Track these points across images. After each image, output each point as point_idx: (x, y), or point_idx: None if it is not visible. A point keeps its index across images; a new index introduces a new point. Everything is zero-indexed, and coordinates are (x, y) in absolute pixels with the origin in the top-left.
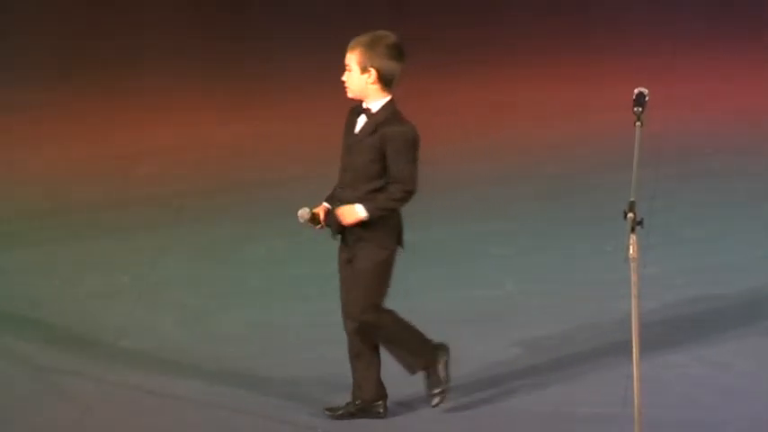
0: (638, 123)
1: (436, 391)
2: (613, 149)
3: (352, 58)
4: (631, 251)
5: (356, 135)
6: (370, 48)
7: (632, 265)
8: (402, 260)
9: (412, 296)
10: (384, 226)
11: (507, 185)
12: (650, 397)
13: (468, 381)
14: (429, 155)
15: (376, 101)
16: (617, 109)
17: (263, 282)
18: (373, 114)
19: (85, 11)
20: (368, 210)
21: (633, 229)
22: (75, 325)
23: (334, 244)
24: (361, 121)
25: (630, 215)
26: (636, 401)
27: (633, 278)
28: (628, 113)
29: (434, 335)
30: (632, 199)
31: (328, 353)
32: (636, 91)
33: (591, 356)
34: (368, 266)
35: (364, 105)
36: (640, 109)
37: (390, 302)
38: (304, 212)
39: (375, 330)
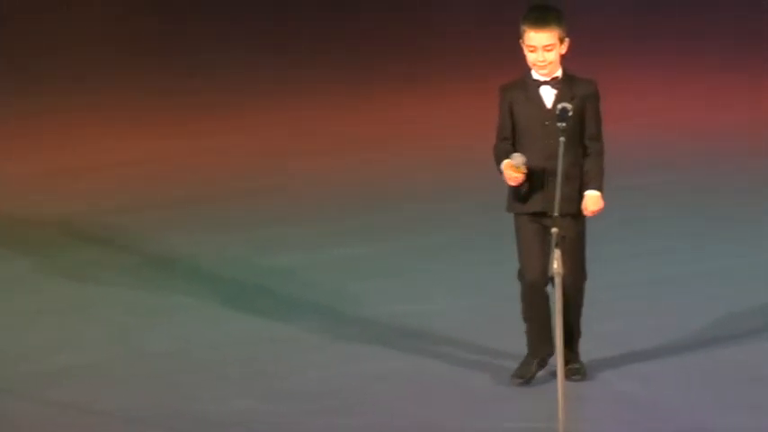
0: (561, 139)
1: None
2: None
3: (552, 36)
4: (555, 266)
5: (551, 107)
6: (562, 20)
7: (556, 279)
8: (337, 274)
9: (346, 310)
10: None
11: (445, 199)
12: (575, 411)
13: (397, 395)
14: (368, 168)
15: (559, 70)
16: None
17: (192, 298)
18: (564, 81)
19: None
20: (601, 191)
21: (557, 245)
22: (3, 342)
23: (272, 258)
24: (549, 92)
25: (555, 230)
26: (561, 416)
27: (557, 293)
28: None
29: (366, 349)
30: (556, 214)
31: (262, 367)
32: (559, 106)
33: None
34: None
35: (547, 78)
36: (564, 124)
37: (322, 316)
38: (521, 161)
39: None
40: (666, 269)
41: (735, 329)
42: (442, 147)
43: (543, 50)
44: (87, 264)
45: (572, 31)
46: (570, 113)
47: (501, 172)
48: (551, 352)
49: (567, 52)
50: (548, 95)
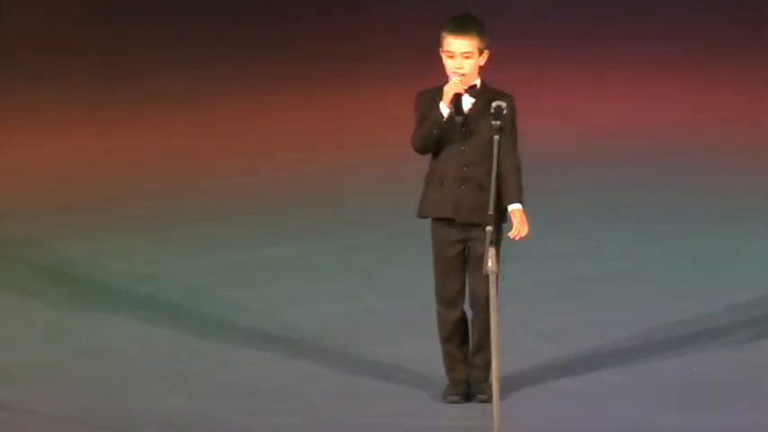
0: (496, 137)
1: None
2: None
3: (471, 44)
4: (490, 264)
5: (468, 115)
6: (484, 32)
7: (491, 278)
8: (271, 273)
9: (276, 310)
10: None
11: (374, 199)
12: (512, 409)
13: (331, 395)
14: (305, 167)
15: (477, 79)
16: None
17: (123, 299)
18: (483, 91)
19: None
20: (523, 204)
21: (492, 243)
22: None
23: (200, 259)
24: (466, 101)
25: (489, 228)
26: (495, 414)
27: (492, 291)
28: None
29: (297, 349)
30: (490, 212)
31: (194, 366)
32: (494, 105)
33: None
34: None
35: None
36: (499, 122)
37: (252, 317)
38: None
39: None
40: (596, 267)
41: (669, 328)
42: (371, 146)
43: (461, 57)
44: (21, 264)
45: (500, 33)
46: (505, 112)
47: (433, 130)
48: (466, 374)
49: (485, 65)
50: (465, 104)
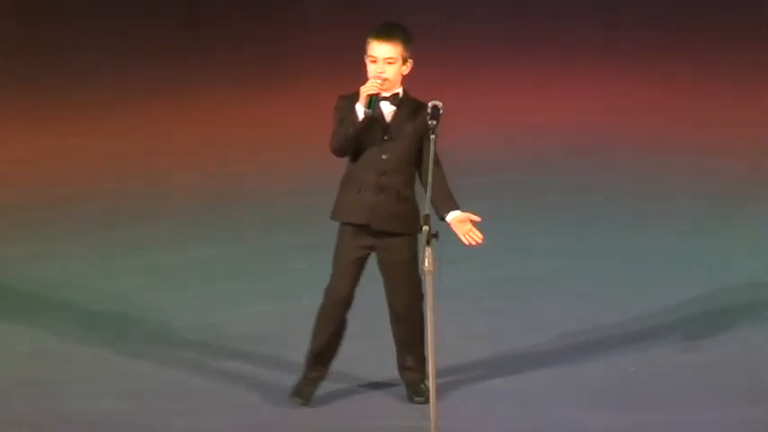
0: (432, 136)
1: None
2: None
3: (395, 51)
4: (427, 264)
5: (390, 123)
6: (409, 41)
7: (428, 277)
8: (202, 275)
9: (208, 311)
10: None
11: (307, 199)
12: (447, 408)
13: (265, 393)
14: (235, 167)
15: (399, 88)
16: None
17: (58, 298)
18: (405, 100)
19: None
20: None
21: (429, 242)
22: None
23: (131, 260)
24: (388, 108)
25: (425, 228)
26: (432, 413)
27: (428, 291)
28: None
29: (233, 350)
30: (426, 212)
31: (130, 366)
32: (430, 104)
33: (390, 368)
34: (413, 256)
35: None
36: (435, 122)
37: (185, 318)
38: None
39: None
40: (525, 268)
41: (602, 328)
42: (300, 147)
43: (384, 62)
44: None
45: (426, 34)
46: (441, 112)
47: (349, 131)
48: (326, 375)
49: (409, 74)
50: (386, 111)
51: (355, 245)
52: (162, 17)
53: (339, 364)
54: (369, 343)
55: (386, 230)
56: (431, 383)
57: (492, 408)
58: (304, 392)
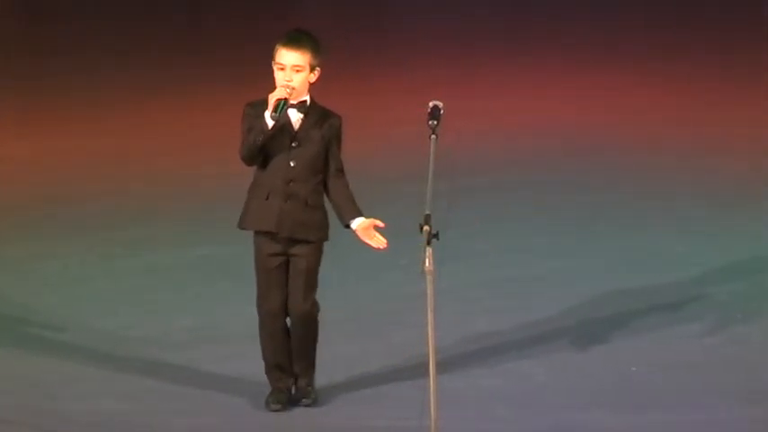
0: (433, 136)
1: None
2: (409, 162)
3: (303, 59)
4: (427, 264)
5: (297, 130)
6: (318, 49)
7: (428, 278)
8: (202, 275)
9: (209, 310)
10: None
11: None
12: (447, 409)
13: (257, 393)
14: (235, 167)
15: (307, 95)
16: (413, 122)
17: (54, 298)
18: (312, 107)
19: None
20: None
21: (429, 242)
22: None
23: (130, 260)
24: (295, 116)
25: (426, 228)
26: (432, 413)
27: (429, 291)
28: (424, 126)
29: (233, 350)
30: (428, 212)
31: (125, 366)
32: (431, 104)
33: (389, 369)
34: (316, 262)
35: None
36: (435, 122)
37: (187, 317)
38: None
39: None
40: (525, 268)
41: (602, 328)
42: None
43: (291, 70)
44: None
45: (427, 35)
46: (442, 111)
47: (258, 139)
48: (294, 382)
49: (316, 82)
50: (294, 119)
51: (269, 253)
52: (162, 17)
53: (339, 364)
54: (367, 343)
55: (294, 237)
56: (431, 383)
57: (492, 408)
58: (280, 399)
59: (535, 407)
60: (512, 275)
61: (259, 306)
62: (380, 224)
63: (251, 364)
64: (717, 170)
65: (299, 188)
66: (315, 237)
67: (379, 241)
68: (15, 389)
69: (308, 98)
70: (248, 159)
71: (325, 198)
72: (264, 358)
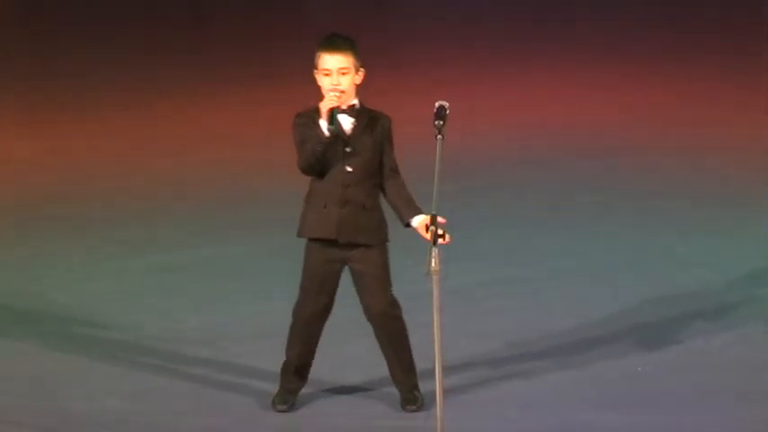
0: (439, 136)
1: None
2: (415, 163)
3: (347, 61)
4: (433, 264)
5: (350, 135)
6: (357, 50)
7: (434, 278)
8: (202, 275)
9: (215, 310)
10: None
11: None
12: (454, 409)
13: (269, 395)
14: (243, 167)
15: (355, 99)
16: (418, 122)
17: (61, 299)
18: (362, 111)
19: None
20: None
21: (435, 242)
22: None
23: (136, 260)
24: (346, 121)
25: (432, 228)
26: (438, 414)
27: (435, 291)
28: (429, 126)
29: (243, 348)
30: (434, 212)
31: (131, 366)
32: (437, 104)
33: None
34: (384, 265)
35: (344, 106)
36: (441, 122)
37: (192, 317)
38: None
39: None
40: (534, 267)
41: (607, 328)
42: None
43: (338, 74)
44: None
45: (432, 36)
46: (448, 111)
47: (317, 149)
48: (302, 386)
49: (361, 83)
50: (345, 124)
51: (325, 260)
52: (163, 17)
53: (345, 364)
54: (373, 343)
55: (355, 242)
56: (437, 384)
57: (498, 408)
58: (287, 400)
59: (542, 407)
60: (518, 275)
61: (298, 310)
62: (441, 219)
63: (256, 364)
64: (717, 170)
65: (355, 193)
66: (375, 239)
67: (446, 237)
68: (19, 388)
69: (356, 102)
70: (308, 170)
71: (382, 199)
72: (287, 357)
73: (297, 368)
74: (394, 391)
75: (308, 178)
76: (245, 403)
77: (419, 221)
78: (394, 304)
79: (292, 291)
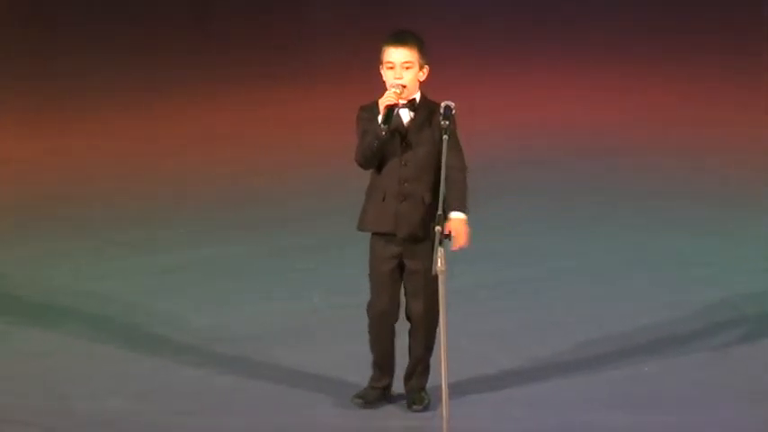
0: (445, 137)
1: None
2: None
3: (412, 55)
4: (439, 264)
5: (408, 129)
6: (423, 47)
7: (440, 277)
8: (209, 275)
9: (218, 311)
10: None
11: (314, 199)
12: (459, 409)
13: (278, 395)
14: (245, 167)
15: (417, 93)
16: None
17: (66, 300)
18: (422, 105)
19: None
20: (467, 213)
21: (441, 243)
22: None
23: (141, 260)
24: (407, 115)
25: (438, 228)
26: (444, 414)
27: (441, 291)
28: None
29: (245, 348)
30: (439, 212)
31: (136, 367)
32: (443, 105)
33: (401, 369)
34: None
35: (404, 101)
36: (447, 122)
37: (194, 318)
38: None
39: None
40: (538, 268)
41: (609, 327)
42: (307, 146)
43: (401, 68)
44: None
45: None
46: (454, 111)
47: (374, 143)
48: (391, 383)
49: (426, 80)
50: (404, 118)
51: (386, 255)
52: (163, 17)
53: (351, 364)
54: None
55: (412, 237)
56: (443, 384)
57: (504, 407)
58: (368, 395)
59: (545, 406)
60: (523, 275)
61: (369, 308)
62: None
63: (255, 364)
64: (717, 170)
65: (414, 188)
66: (433, 234)
67: (457, 242)
68: (20, 388)
69: (417, 96)
70: (364, 163)
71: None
72: (372, 356)
73: (380, 366)
74: (398, 390)
75: (308, 178)
76: (246, 403)
77: (454, 217)
78: (435, 304)
79: (292, 291)
